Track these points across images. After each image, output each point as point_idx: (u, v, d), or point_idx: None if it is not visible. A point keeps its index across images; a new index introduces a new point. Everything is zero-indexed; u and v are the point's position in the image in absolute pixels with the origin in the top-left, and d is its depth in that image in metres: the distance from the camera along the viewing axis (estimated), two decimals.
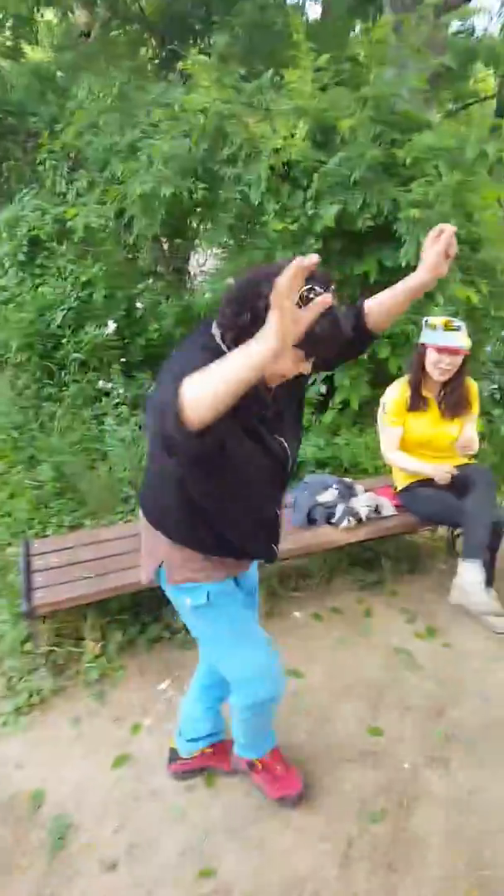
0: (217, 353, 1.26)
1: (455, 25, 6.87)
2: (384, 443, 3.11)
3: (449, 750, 2.30)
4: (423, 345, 2.95)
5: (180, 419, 1.19)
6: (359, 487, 3.17)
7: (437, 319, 2.90)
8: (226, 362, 1.16)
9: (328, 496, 3.03)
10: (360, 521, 2.97)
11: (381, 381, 4.33)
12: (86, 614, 2.71)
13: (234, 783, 2.16)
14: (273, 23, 7.47)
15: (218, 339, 1.45)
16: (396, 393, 3.06)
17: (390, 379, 4.25)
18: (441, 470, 2.98)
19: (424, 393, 3.01)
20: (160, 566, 1.73)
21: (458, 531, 3.47)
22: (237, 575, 1.83)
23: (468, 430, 3.04)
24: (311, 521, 3.00)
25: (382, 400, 3.12)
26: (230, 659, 1.83)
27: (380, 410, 3.12)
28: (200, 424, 1.19)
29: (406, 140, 3.93)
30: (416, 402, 3.01)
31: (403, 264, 3.71)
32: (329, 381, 4.12)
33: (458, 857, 1.94)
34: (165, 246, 6.00)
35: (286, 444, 1.64)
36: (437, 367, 2.90)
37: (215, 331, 1.47)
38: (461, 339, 2.86)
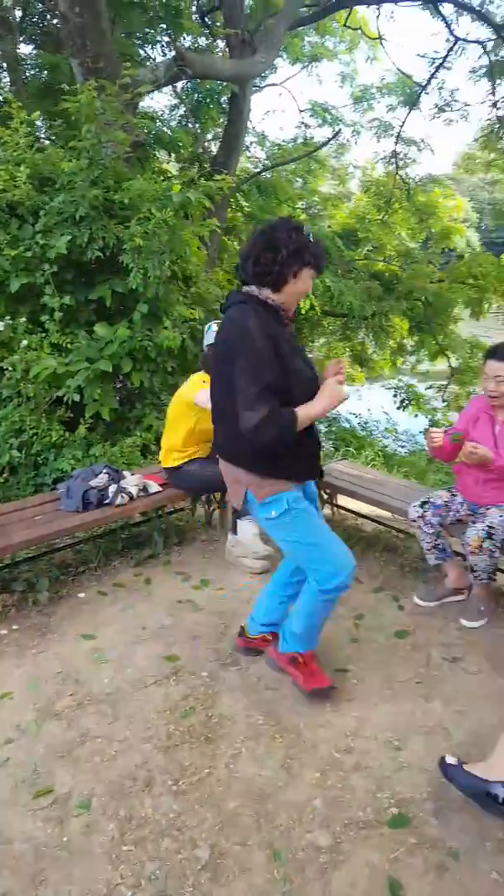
0: (262, 305, 2.09)
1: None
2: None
3: (236, 656, 2.70)
4: (209, 346, 3.44)
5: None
6: (126, 473, 3.49)
7: (212, 323, 3.52)
8: (304, 412, 2.05)
9: (100, 480, 3.29)
10: (132, 498, 3.29)
11: (126, 394, 4.76)
12: None
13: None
14: None
15: (255, 292, 2.12)
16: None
17: (134, 392, 4.70)
18: None
19: None
20: (247, 492, 2.21)
21: (213, 508, 3.99)
22: (303, 485, 2.32)
23: None
24: (86, 505, 3.22)
25: (202, 377, 3.45)
26: (316, 551, 2.23)
27: (198, 381, 3.45)
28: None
29: (120, 188, 4.54)
30: None
31: (134, 287, 4.23)
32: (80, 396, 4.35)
33: (258, 720, 2.32)
34: None
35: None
36: None
37: (250, 289, 2.12)
38: None
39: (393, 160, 11.43)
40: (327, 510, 4.11)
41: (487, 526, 2.73)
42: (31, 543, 3.06)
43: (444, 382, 10.76)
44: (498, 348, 2.86)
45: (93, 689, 2.50)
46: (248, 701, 2.42)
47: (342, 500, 4.02)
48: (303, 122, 12.62)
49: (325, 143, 12.07)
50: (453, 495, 3.05)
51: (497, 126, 10.44)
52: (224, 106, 10.87)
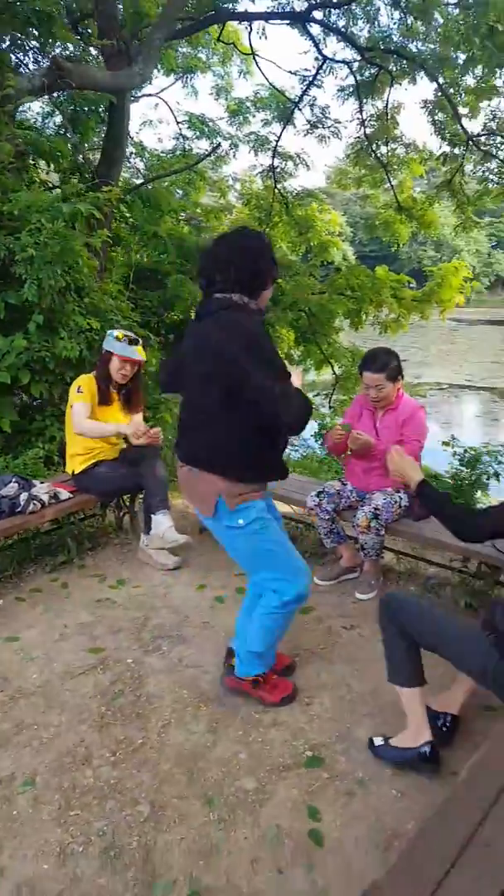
0: (251, 311, 2.12)
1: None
2: (78, 415, 3.52)
3: (158, 643, 2.92)
4: (108, 352, 3.61)
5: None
6: (35, 481, 3.58)
7: (121, 333, 3.62)
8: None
9: (10, 489, 3.37)
10: (43, 505, 3.40)
11: (25, 406, 4.80)
12: None
13: None
14: None
15: (236, 299, 2.10)
16: (88, 381, 3.62)
17: (34, 404, 4.76)
18: (134, 426, 3.58)
19: (110, 389, 3.66)
20: (219, 499, 2.18)
21: (123, 513, 4.15)
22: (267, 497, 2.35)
23: (140, 421, 3.77)
24: None
25: (76, 385, 3.61)
26: (277, 561, 2.28)
27: (73, 391, 3.59)
28: None
29: (8, 200, 4.58)
30: (104, 397, 3.64)
31: (29, 298, 4.30)
32: None
33: (182, 693, 2.56)
34: None
35: None
36: (120, 373, 3.62)
37: (238, 298, 2.11)
38: (139, 353, 3.63)
39: (271, 174, 11.93)
40: None
41: (373, 508, 3.12)
42: None
43: (330, 390, 11.36)
44: (371, 359, 3.24)
45: (23, 684, 2.62)
46: (172, 679, 2.65)
47: None
48: (181, 134, 12.87)
49: (206, 156, 12.37)
50: (343, 484, 3.43)
51: (365, 143, 11.19)
52: (103, 116, 10.90)
